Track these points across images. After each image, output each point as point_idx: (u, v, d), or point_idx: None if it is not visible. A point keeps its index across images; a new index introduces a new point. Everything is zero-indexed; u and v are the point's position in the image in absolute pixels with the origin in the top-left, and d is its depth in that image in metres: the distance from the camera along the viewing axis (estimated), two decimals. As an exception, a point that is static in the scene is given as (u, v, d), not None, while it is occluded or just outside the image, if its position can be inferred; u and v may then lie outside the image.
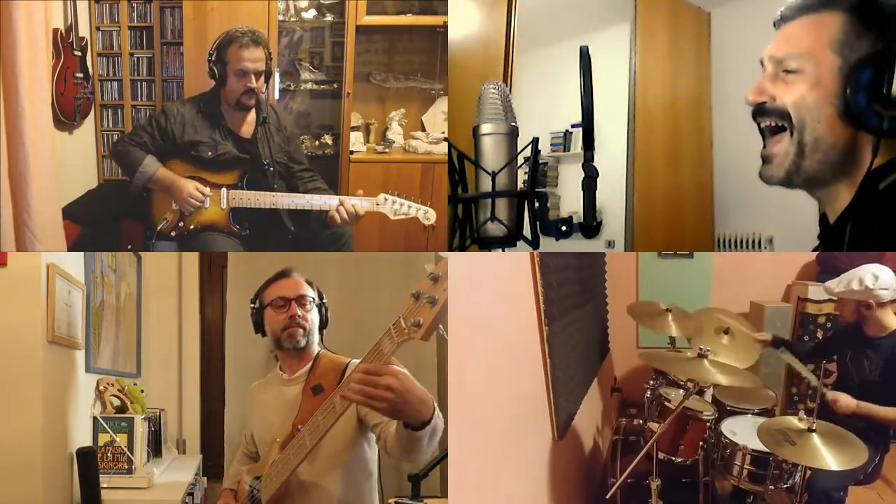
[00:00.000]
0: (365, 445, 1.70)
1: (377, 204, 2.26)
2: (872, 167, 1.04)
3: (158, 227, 2.32)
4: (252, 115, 2.41)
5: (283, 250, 2.47)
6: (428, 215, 2.28)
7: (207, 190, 2.31)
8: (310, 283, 1.83)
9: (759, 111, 1.10)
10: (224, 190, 2.33)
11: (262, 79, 2.33)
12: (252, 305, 1.83)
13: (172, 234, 2.34)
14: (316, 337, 1.80)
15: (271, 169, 2.40)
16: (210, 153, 2.33)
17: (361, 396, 1.26)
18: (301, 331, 1.74)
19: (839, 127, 1.03)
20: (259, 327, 1.83)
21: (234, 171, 2.37)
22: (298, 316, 1.74)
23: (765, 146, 1.11)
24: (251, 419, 1.89)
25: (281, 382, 1.79)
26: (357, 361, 1.73)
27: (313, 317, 1.78)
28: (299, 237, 2.44)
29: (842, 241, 1.07)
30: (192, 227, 2.34)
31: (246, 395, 1.94)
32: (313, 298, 1.80)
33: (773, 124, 1.08)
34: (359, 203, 2.25)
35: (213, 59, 2.30)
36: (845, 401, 2.36)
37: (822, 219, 1.16)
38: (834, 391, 2.43)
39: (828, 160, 1.05)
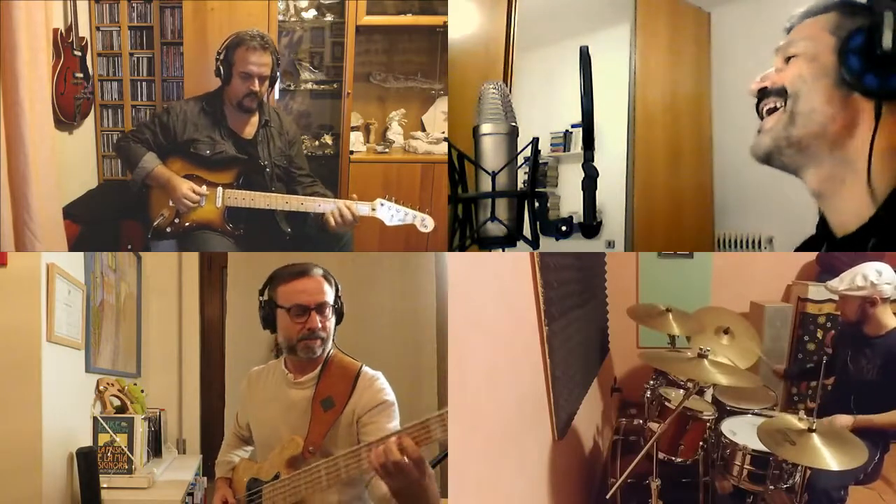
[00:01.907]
0: None
1: (373, 209, 2.20)
2: (875, 138, 1.02)
3: (155, 224, 2.33)
4: (255, 118, 2.41)
5: (283, 250, 2.47)
6: (425, 223, 2.20)
7: (203, 189, 2.31)
8: (328, 280, 1.69)
9: (761, 96, 1.12)
10: (220, 189, 2.33)
11: (267, 84, 2.34)
12: (261, 297, 1.68)
13: (168, 230, 2.34)
14: (331, 340, 1.69)
15: (269, 171, 2.40)
16: (208, 151, 2.34)
17: (381, 468, 1.30)
18: (319, 341, 1.63)
19: (837, 97, 1.04)
20: (268, 324, 1.69)
21: (231, 171, 2.37)
22: (318, 328, 1.61)
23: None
24: (248, 408, 1.81)
25: (286, 382, 1.70)
26: (369, 370, 1.67)
27: (332, 323, 1.67)
28: (297, 240, 2.44)
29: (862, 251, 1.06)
30: (186, 224, 2.34)
31: (244, 382, 1.84)
32: (332, 304, 1.67)
33: (773, 106, 1.10)
34: (354, 206, 2.21)
35: (221, 58, 2.31)
36: (841, 421, 2.36)
37: (822, 222, 1.14)
38: (829, 417, 2.42)
39: (824, 132, 1.05)
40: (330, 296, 1.66)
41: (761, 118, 1.13)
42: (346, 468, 1.47)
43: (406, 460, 1.29)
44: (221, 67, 2.31)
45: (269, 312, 1.67)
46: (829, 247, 1.13)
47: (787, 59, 1.09)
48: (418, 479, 1.29)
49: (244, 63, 2.27)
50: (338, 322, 1.72)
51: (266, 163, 2.39)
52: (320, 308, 1.63)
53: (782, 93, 1.08)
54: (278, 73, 2.42)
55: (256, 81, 2.28)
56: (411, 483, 1.30)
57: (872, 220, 1.03)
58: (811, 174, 1.10)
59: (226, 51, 2.30)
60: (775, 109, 1.09)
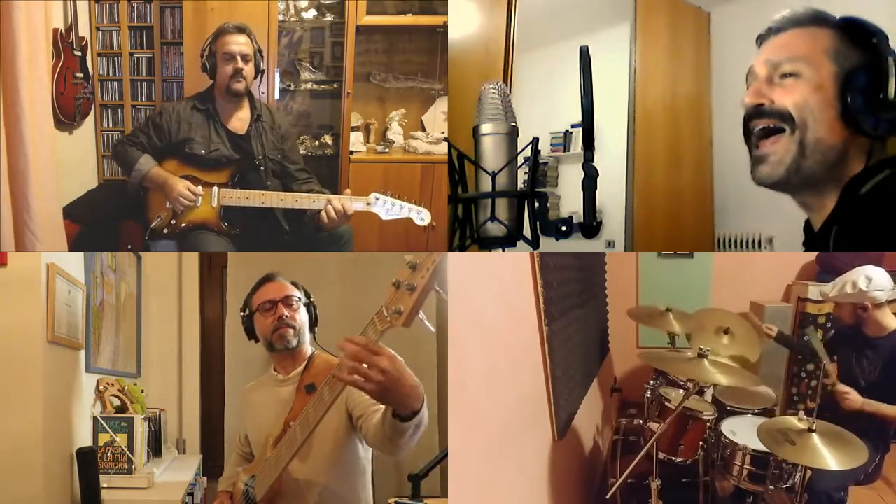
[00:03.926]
0: (357, 443, 1.70)
1: (368, 203, 2.21)
2: (863, 175, 1.06)
3: (152, 225, 2.34)
4: (245, 112, 2.44)
5: (284, 250, 2.48)
6: (422, 216, 2.21)
7: (199, 189, 2.32)
8: (295, 285, 1.85)
9: (757, 113, 1.11)
10: (215, 188, 2.33)
11: (252, 66, 2.38)
12: (242, 314, 1.86)
13: (165, 231, 2.35)
14: (307, 336, 1.82)
15: (263, 168, 2.42)
16: (203, 150, 2.36)
17: (353, 375, 1.24)
18: (291, 331, 1.76)
19: (838, 129, 1.06)
20: (251, 333, 1.85)
21: (227, 169, 2.38)
22: (286, 316, 1.76)
23: (757, 147, 1.12)
24: (245, 420, 1.89)
25: (275, 383, 1.80)
26: None
27: (302, 316, 1.80)
28: (295, 237, 2.45)
29: (826, 247, 1.09)
30: (183, 225, 2.35)
31: (240, 397, 1.95)
32: (300, 298, 1.82)
33: (772, 126, 1.09)
34: (348, 202, 2.21)
35: (206, 54, 2.38)
36: (855, 396, 2.36)
37: (807, 225, 1.18)
38: (844, 387, 2.42)
39: (826, 161, 1.07)
40: (295, 293, 1.82)
41: (749, 133, 1.12)
42: (315, 412, 1.50)
43: (361, 355, 1.24)
44: (207, 62, 2.38)
45: (248, 322, 1.84)
46: (809, 241, 1.17)
47: (783, 76, 1.08)
48: (388, 366, 1.23)
49: (224, 45, 2.34)
50: (314, 324, 1.85)
51: (260, 158, 2.41)
52: (286, 300, 1.79)
53: (785, 117, 1.07)
54: (278, 70, 2.44)
55: (239, 59, 2.34)
56: (381, 376, 1.23)
57: (833, 211, 1.08)
58: (805, 189, 1.12)
59: (208, 46, 2.38)
60: (774, 131, 1.09)
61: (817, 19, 1.10)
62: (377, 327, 1.30)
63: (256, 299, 1.82)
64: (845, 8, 1.13)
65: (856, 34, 1.07)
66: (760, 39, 1.15)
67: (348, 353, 1.25)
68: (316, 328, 1.86)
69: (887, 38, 1.06)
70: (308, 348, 1.82)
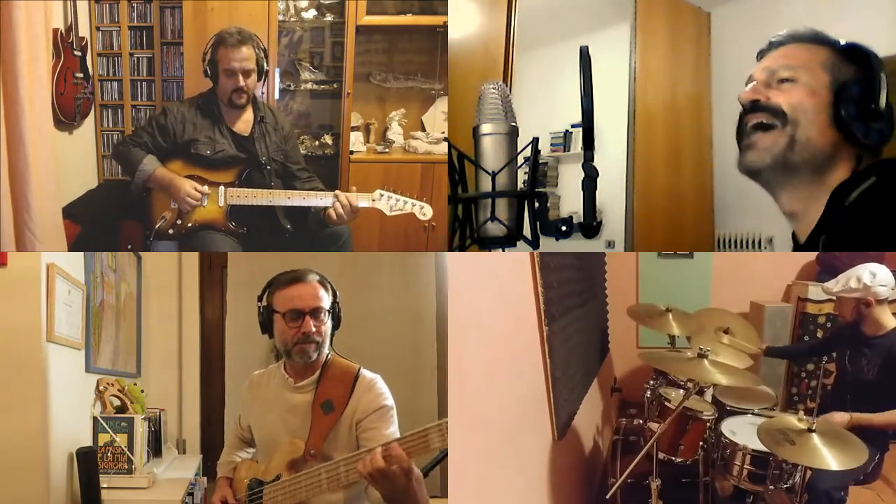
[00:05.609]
0: None
1: (373, 200, 2.25)
2: (851, 181, 1.09)
3: (157, 226, 2.33)
4: (248, 114, 2.44)
5: (283, 250, 2.48)
6: (424, 211, 2.26)
7: (205, 188, 2.32)
8: (324, 285, 1.71)
9: (752, 108, 1.15)
10: (222, 188, 2.33)
11: (255, 77, 2.37)
12: (259, 304, 1.71)
13: (170, 231, 2.35)
14: (327, 343, 1.71)
15: (269, 167, 2.42)
16: (209, 151, 2.36)
17: (368, 477, 1.38)
18: (314, 346, 1.65)
19: (829, 133, 1.11)
20: (266, 328, 1.72)
21: (232, 170, 2.38)
22: (312, 332, 1.64)
23: (749, 137, 1.16)
24: (250, 410, 1.83)
25: (286, 386, 1.71)
26: (367, 373, 1.69)
27: (327, 328, 1.69)
28: (297, 236, 2.45)
29: None
30: (189, 225, 2.35)
31: (245, 384, 1.86)
32: (328, 310, 1.68)
33: (765, 121, 1.13)
34: (354, 198, 2.25)
35: (207, 59, 2.36)
36: (838, 418, 2.36)
37: (794, 237, 1.21)
38: (825, 415, 2.42)
39: (813, 161, 1.11)
40: (325, 301, 1.69)
41: (743, 128, 1.16)
42: (347, 474, 1.49)
43: (392, 468, 1.35)
44: (208, 68, 2.36)
45: (266, 317, 1.70)
46: (798, 251, 1.22)
47: (781, 81, 1.13)
48: (405, 484, 1.36)
49: (227, 60, 2.32)
50: (336, 327, 1.74)
51: (265, 158, 2.42)
52: (314, 313, 1.65)
53: (779, 114, 1.12)
54: (278, 70, 2.43)
55: (240, 76, 2.32)
56: (397, 488, 1.36)
57: (820, 220, 1.12)
58: (787, 196, 1.17)
59: (210, 51, 2.35)
60: (766, 126, 1.13)
61: (816, 38, 1.16)
62: (445, 437, 1.34)
63: (282, 300, 1.66)
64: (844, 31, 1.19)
65: (851, 54, 1.13)
66: (761, 54, 1.20)
67: (370, 465, 1.37)
68: (337, 331, 1.74)
69: (881, 61, 1.12)
70: (325, 353, 1.71)
